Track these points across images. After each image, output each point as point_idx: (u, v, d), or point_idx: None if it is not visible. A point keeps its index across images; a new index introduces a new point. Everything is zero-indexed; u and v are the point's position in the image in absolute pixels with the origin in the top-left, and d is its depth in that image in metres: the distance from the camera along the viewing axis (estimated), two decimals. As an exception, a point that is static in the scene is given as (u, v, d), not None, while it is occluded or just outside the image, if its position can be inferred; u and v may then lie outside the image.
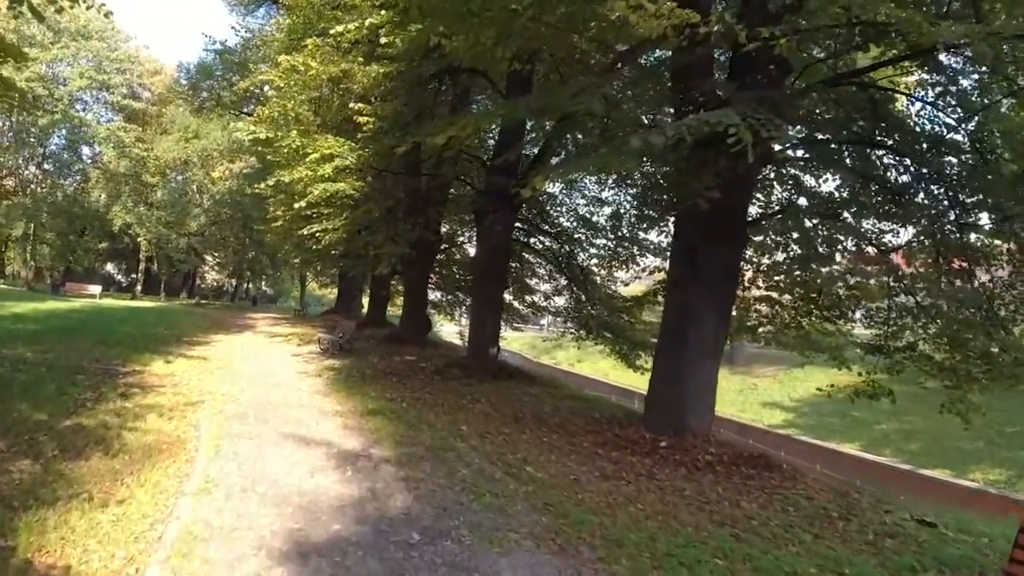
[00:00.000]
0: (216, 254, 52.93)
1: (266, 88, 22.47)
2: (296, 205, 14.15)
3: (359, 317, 31.06)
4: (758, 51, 6.85)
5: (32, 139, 39.13)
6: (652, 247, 16.38)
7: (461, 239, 25.04)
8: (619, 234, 17.05)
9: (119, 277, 59.31)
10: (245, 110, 32.47)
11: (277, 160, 18.45)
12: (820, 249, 11.61)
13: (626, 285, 18.47)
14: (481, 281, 15.15)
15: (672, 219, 14.88)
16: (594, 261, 17.69)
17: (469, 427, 9.09)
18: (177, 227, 42.36)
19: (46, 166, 40.91)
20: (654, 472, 7.67)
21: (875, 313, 12.41)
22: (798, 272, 11.38)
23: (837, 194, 12.20)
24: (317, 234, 18.96)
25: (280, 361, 15.20)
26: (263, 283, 60.73)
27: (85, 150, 43.87)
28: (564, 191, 18.94)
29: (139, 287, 47.49)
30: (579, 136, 13.66)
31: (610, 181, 18.48)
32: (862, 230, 11.44)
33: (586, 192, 18.96)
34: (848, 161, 11.20)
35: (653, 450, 8.33)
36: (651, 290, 12.63)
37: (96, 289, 37.79)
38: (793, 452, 33.89)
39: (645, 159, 11.33)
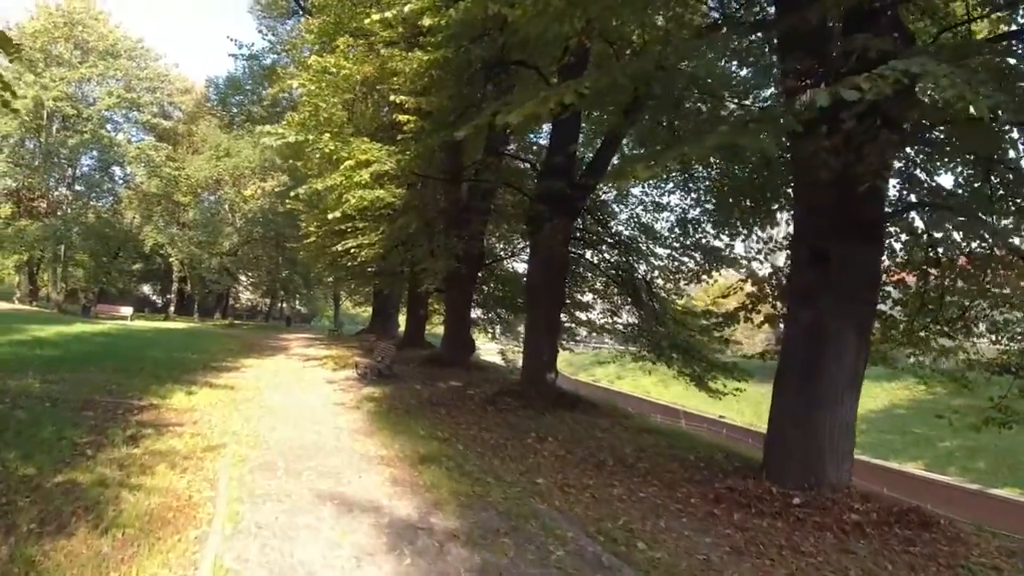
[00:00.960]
0: (249, 274, 52.26)
1: (296, 92, 21.28)
2: (331, 216, 12.72)
3: (396, 337, 29.67)
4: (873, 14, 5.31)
5: (63, 160, 38.66)
6: (727, 256, 14.61)
7: (502, 253, 23.52)
8: (686, 242, 15.31)
9: (154, 298, 58.98)
10: (275, 122, 31.51)
11: (308, 170, 17.09)
12: (941, 250, 9.81)
13: (680, 298, 16.69)
14: (536, 299, 13.49)
15: (749, 223, 13.26)
16: (656, 274, 15.89)
17: (546, 479, 7.39)
18: (209, 247, 41.64)
19: (77, 187, 40.43)
20: (796, 542, 5.90)
21: (1004, 327, 10.48)
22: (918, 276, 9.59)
23: (956, 183, 10.31)
24: (352, 250, 17.58)
25: (314, 390, 13.69)
26: (297, 302, 59.93)
27: (116, 170, 43.57)
28: (619, 196, 17.29)
29: (172, 308, 46.93)
30: (658, 121, 11.94)
31: (670, 184, 16.82)
32: (997, 228, 9.53)
33: (644, 196, 17.24)
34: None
35: (784, 510, 6.55)
36: (742, 305, 10.82)
37: (127, 311, 37.04)
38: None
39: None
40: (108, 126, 39.97)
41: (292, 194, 14.35)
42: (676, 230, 15.86)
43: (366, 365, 15.87)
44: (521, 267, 23.85)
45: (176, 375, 13.83)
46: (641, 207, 17.23)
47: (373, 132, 15.06)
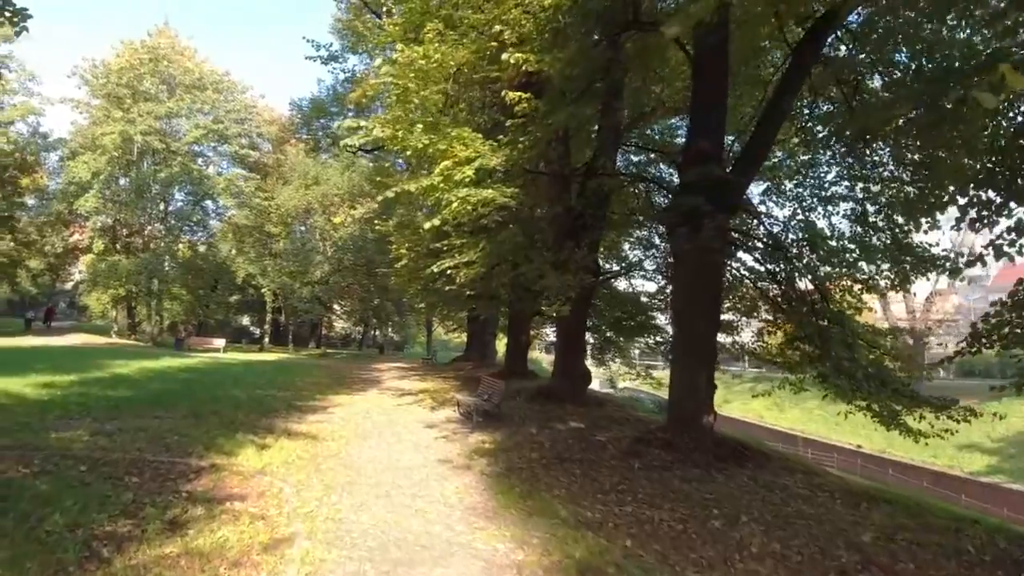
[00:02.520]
0: (341, 302, 51.50)
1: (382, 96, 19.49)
2: (427, 226, 10.37)
3: (494, 365, 27.28)
4: None
5: (154, 195, 38.76)
6: (927, 255, 11.33)
7: (614, 267, 20.78)
8: (869, 241, 12.09)
9: (253, 329, 59.21)
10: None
11: (394, 183, 14.88)
12: None
13: (859, 313, 13.31)
14: (685, 319, 10.61)
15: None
16: (828, 283, 12.65)
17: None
18: (300, 276, 40.81)
19: (170, 221, 40.52)
20: None
21: None
22: None
23: None
24: (449, 271, 15.28)
25: (411, 438, 11.25)
26: (389, 330, 58.87)
27: (209, 204, 43.65)
28: (772, 187, 14.23)
29: (266, 339, 46.49)
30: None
31: (831, 173, 13.70)
32: None
33: (799, 189, 14.06)
34: None
35: None
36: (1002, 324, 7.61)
37: (220, 343, 36.40)
38: (1002, 503, 26.76)
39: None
40: (199, 160, 40.00)
41: (379, 198, 12.05)
42: (852, 227, 12.68)
43: (470, 404, 13.37)
44: (628, 283, 21.08)
45: (252, 420, 11.78)
46: (794, 202, 14.06)
47: (474, 127, 12.77)
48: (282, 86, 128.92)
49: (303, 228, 46.32)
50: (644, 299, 19.52)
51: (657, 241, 18.73)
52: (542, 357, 46.55)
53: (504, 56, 9.26)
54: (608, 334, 21.33)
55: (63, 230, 40.82)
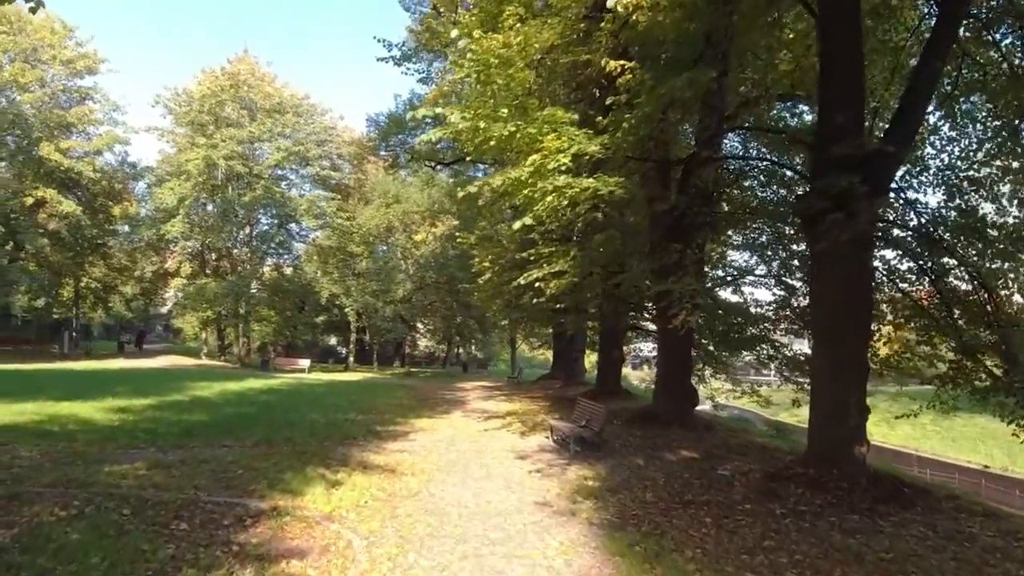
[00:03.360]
0: (425, 321, 51.02)
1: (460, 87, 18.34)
2: (516, 226, 8.96)
3: (586, 384, 25.64)
4: None
5: (239, 218, 39.21)
6: None
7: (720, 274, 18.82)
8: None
9: (340, 349, 59.55)
10: (439, 155, 29.25)
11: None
12: None
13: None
14: (831, 329, 8.71)
15: None
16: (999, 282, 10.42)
17: None
18: (383, 295, 40.40)
19: (255, 243, 40.93)
20: None
21: None
22: None
23: None
24: (537, 282, 13.86)
25: (502, 472, 9.77)
26: (472, 347, 58.01)
27: (293, 226, 43.94)
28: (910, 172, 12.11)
29: (351, 358, 46.39)
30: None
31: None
32: None
33: (950, 172, 11.86)
34: None
35: None
36: None
37: (305, 363, 36.19)
38: None
39: None
40: (282, 183, 40.32)
41: (460, 193, 10.70)
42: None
43: (566, 430, 11.79)
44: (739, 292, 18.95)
45: (326, 450, 10.63)
46: (942, 185, 11.86)
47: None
48: (360, 106, 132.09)
49: (384, 247, 46.15)
50: (754, 309, 17.44)
51: (766, 241, 16.70)
52: (629, 373, 44.16)
53: (610, 3, 7.72)
54: (710, 348, 19.34)
55: (152, 255, 41.93)
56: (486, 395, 23.92)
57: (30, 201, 33.58)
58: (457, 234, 25.81)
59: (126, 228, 41.25)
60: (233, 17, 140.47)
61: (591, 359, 33.43)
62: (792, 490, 8.24)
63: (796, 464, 9.22)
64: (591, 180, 8.05)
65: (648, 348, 25.28)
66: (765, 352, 18.38)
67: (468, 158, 26.86)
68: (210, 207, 39.44)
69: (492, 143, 8.16)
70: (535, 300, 14.86)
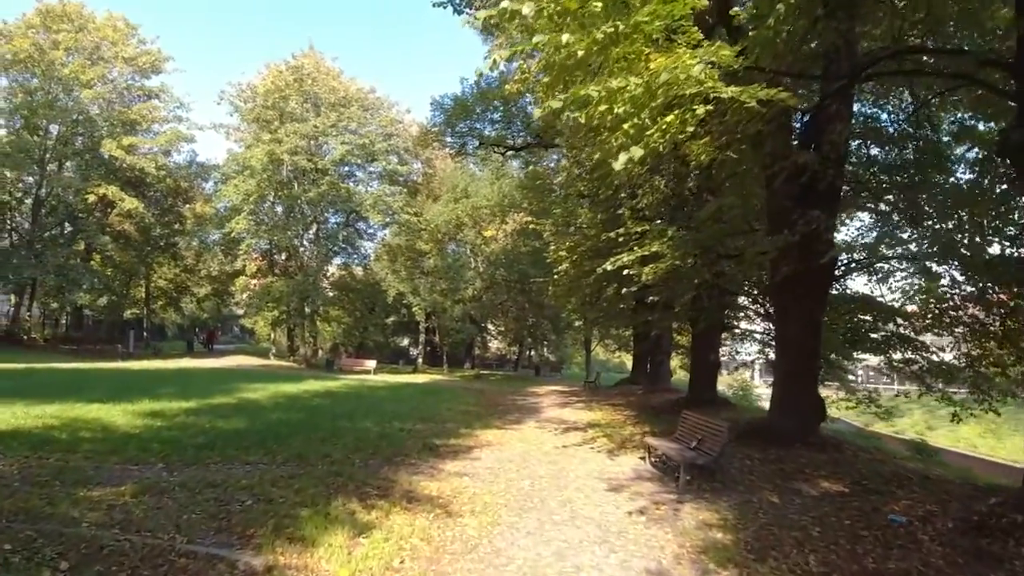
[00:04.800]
0: (495, 322, 48.98)
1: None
2: (621, 160, 6.32)
3: (673, 390, 22.92)
4: None
5: (305, 215, 38.11)
6: None
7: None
8: None
9: (412, 350, 58.27)
10: (509, 139, 27.06)
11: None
12: None
13: None
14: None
15: None
16: None
17: None
18: (451, 294, 38.52)
19: (323, 241, 39.73)
20: None
21: None
22: None
23: None
24: (626, 271, 11.39)
25: (592, 515, 7.25)
26: (545, 350, 55.61)
27: (361, 225, 42.75)
28: None
29: (420, 360, 44.80)
30: None
31: None
32: None
33: None
34: None
35: None
36: None
37: (371, 364, 34.66)
38: None
39: None
40: (349, 180, 39.02)
41: (538, 112, 8.30)
42: None
43: (673, 454, 9.19)
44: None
45: (367, 472, 8.49)
46: None
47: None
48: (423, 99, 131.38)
49: (453, 245, 44.37)
50: (889, 301, 14.40)
51: (897, 218, 13.63)
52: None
53: None
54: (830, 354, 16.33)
55: (220, 255, 41.41)
56: (561, 401, 21.50)
57: (92, 198, 33.33)
58: (531, 223, 23.47)
59: (194, 228, 40.84)
60: (297, 14, 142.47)
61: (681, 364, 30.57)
62: (1009, 547, 5.58)
63: (1007, 508, 6.47)
64: (739, 89, 5.52)
65: (745, 350, 22.22)
66: (901, 355, 15.35)
67: (540, 138, 24.90)
68: (279, 208, 38.52)
69: (580, 55, 5.73)
70: (623, 290, 12.33)
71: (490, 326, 50.68)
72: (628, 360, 65.07)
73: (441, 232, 40.49)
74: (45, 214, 34.45)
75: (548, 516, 6.91)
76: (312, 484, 7.55)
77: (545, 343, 52.10)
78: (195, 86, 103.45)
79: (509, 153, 28.04)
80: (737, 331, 21.46)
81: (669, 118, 5.29)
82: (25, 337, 33.67)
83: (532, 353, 54.87)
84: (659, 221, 12.04)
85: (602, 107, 5.36)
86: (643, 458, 10.30)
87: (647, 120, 5.30)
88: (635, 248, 11.49)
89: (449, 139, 27.90)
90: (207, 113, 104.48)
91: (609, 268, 11.36)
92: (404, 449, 10.41)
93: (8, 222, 35.62)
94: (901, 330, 14.59)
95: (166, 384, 18.90)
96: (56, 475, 7.42)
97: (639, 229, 11.51)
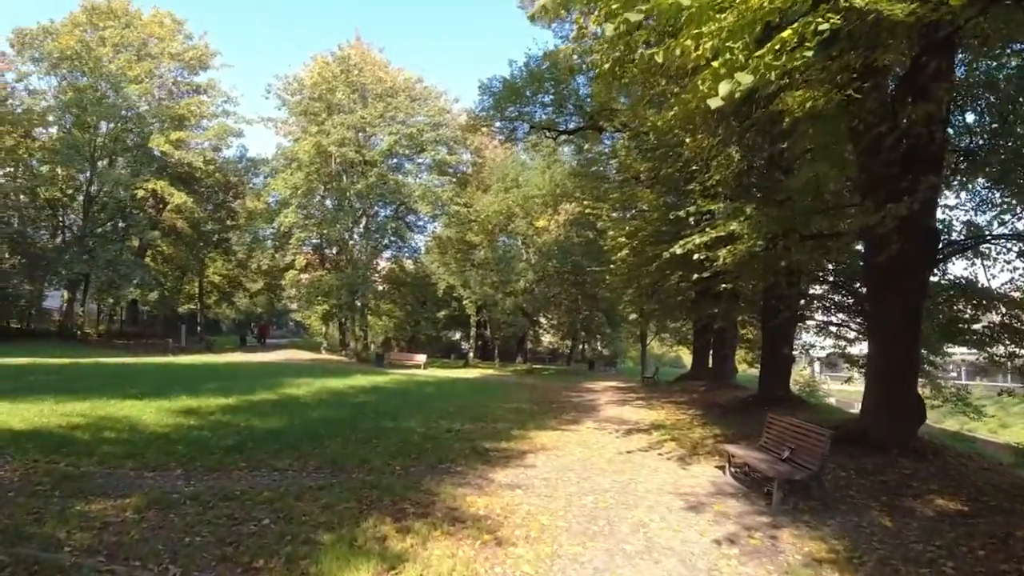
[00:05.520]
0: (548, 315, 47.71)
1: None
2: (722, 92, 5.03)
3: (742, 388, 21.43)
4: None
5: (354, 208, 37.55)
6: None
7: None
8: None
9: (463, 345, 57.58)
10: (560, 124, 25.79)
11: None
12: None
13: None
14: None
15: None
16: None
17: None
18: (502, 286, 37.45)
19: (373, 234, 39.12)
20: None
21: None
22: None
23: None
24: (696, 255, 10.10)
25: (672, 545, 5.92)
26: (598, 343, 54.09)
27: (411, 218, 42.09)
28: None
29: (471, 354, 43.93)
30: None
31: None
32: None
33: None
34: None
35: None
36: None
37: (421, 359, 33.92)
38: None
39: None
40: (398, 174, 38.24)
41: (605, 27, 7.04)
42: None
43: (762, 466, 7.81)
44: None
45: (408, 482, 7.47)
46: None
47: None
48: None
49: (504, 237, 43.24)
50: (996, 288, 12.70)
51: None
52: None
53: None
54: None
55: (267, 248, 41.24)
56: (619, 399, 20.20)
57: (141, 193, 33.43)
58: (587, 208, 22.19)
59: (245, 223, 40.81)
60: (344, 4, 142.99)
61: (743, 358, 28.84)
62: None
63: None
64: None
65: (818, 344, 20.46)
66: (1005, 349, 13.65)
67: (593, 118, 23.54)
68: (328, 202, 38.08)
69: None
70: (693, 275, 10.96)
71: (542, 319, 49.38)
72: (685, 354, 63.05)
73: (492, 223, 39.46)
74: (96, 211, 34.74)
75: (618, 545, 5.71)
76: (343, 498, 6.56)
77: (598, 337, 50.59)
78: (243, 80, 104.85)
79: (561, 138, 26.78)
80: (811, 322, 19.81)
81: (786, 33, 4.03)
82: (78, 332, 34.01)
83: (585, 347, 53.44)
84: (729, 202, 10.65)
85: (692, 31, 4.14)
86: (721, 468, 9.00)
87: (750, 42, 4.05)
88: (707, 230, 10.20)
89: (498, 124, 26.81)
90: (256, 107, 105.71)
91: (678, 252, 10.11)
92: (450, 454, 9.36)
93: (61, 219, 36.06)
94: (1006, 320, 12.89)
95: (210, 379, 18.36)
96: (58, 484, 6.62)
97: (711, 208, 10.19)
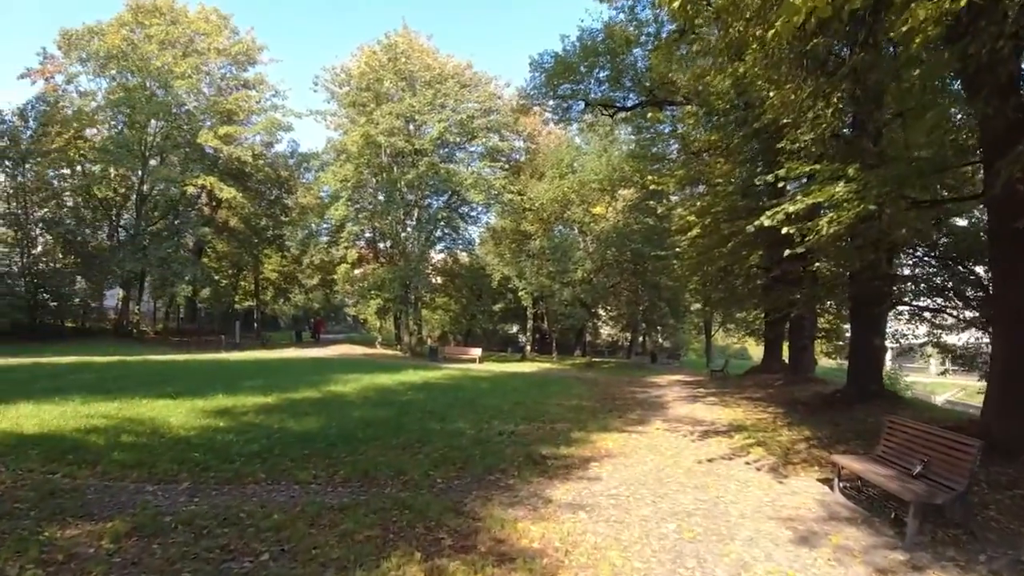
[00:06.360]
0: (607, 306, 45.99)
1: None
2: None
3: (819, 380, 19.56)
4: None
5: (406, 199, 36.67)
6: None
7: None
8: None
9: (521, 338, 56.42)
10: (618, 101, 24.15)
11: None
12: None
13: None
14: None
15: None
16: None
17: None
18: (559, 276, 35.99)
19: (425, 225, 38.16)
20: None
21: None
22: None
23: None
24: (787, 229, 8.52)
25: None
26: (659, 335, 52.10)
27: (464, 209, 41.02)
28: None
29: (528, 347, 42.64)
30: None
31: None
32: None
33: None
34: None
35: None
36: None
37: (476, 352, 32.79)
38: None
39: None
40: (450, 164, 37.14)
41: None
42: None
43: (893, 485, 6.19)
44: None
45: (451, 499, 6.30)
46: None
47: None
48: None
49: (560, 227, 41.72)
50: None
51: None
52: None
53: None
54: None
55: (320, 243, 40.76)
56: (688, 394, 18.58)
57: (191, 189, 33.31)
58: (652, 183, 20.60)
59: (297, 217, 40.53)
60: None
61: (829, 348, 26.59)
62: None
63: None
64: None
65: (910, 332, 18.35)
66: None
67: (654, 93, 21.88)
68: (380, 196, 37.31)
69: None
70: (786, 252, 9.29)
71: (601, 311, 47.68)
72: (751, 345, 60.33)
73: (546, 211, 38.05)
74: (149, 209, 34.89)
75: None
76: (366, 523, 5.37)
77: (659, 328, 48.59)
78: (293, 75, 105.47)
79: (618, 116, 25.10)
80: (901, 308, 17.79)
81: None
82: (134, 331, 34.18)
83: (646, 339, 51.50)
84: (827, 163, 8.98)
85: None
86: (826, 482, 7.47)
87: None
88: (799, 197, 8.61)
89: (551, 103, 25.25)
90: (307, 102, 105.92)
91: (765, 223, 8.55)
92: (501, 462, 8.09)
93: (114, 219, 36.36)
94: None
95: (255, 376, 17.63)
96: (41, 501, 5.68)
97: (804, 171, 8.59)
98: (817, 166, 8.58)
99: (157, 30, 33.33)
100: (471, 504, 6.13)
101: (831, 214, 8.00)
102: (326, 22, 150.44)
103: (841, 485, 7.11)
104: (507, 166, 38.90)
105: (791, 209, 8.28)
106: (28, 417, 9.52)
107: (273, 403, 12.41)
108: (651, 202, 33.88)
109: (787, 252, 8.99)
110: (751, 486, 7.35)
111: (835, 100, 9.19)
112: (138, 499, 5.97)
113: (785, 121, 9.37)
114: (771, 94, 9.40)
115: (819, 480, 7.65)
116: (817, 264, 10.17)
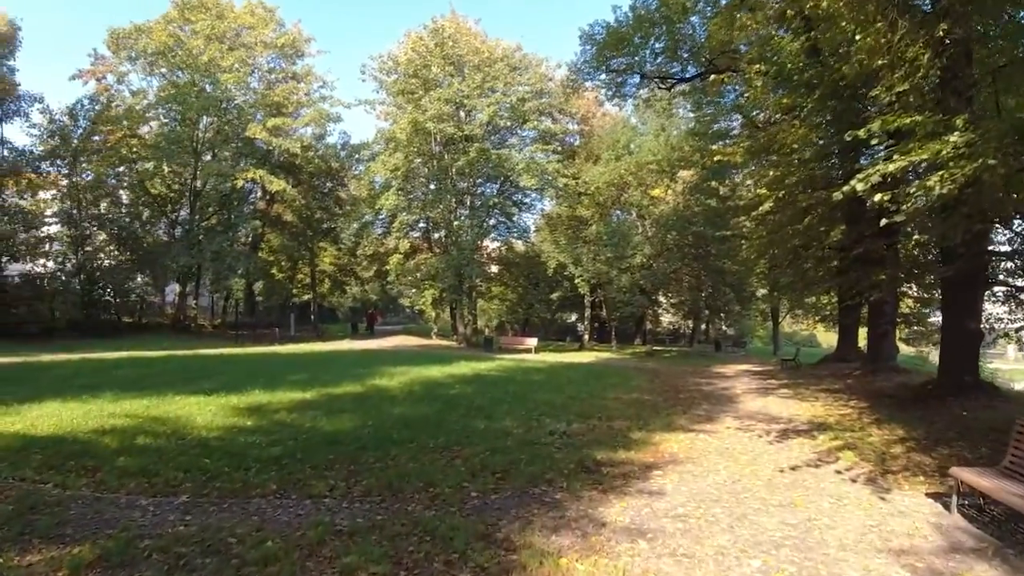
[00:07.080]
0: (667, 293, 44.26)
1: None
2: None
3: (902, 369, 17.88)
4: None
5: (457, 186, 35.87)
6: None
7: None
8: None
9: (579, 326, 55.21)
10: (674, 71, 22.66)
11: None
12: None
13: None
14: None
15: None
16: None
17: None
18: (617, 263, 34.58)
19: (478, 211, 37.27)
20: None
21: None
22: None
23: None
24: (880, 197, 7.17)
25: None
26: (723, 322, 49.96)
27: (518, 196, 40.05)
28: None
29: (586, 336, 41.38)
30: None
31: None
32: None
33: None
34: None
35: None
36: None
37: (531, 342, 31.82)
38: None
39: None
40: (501, 149, 36.09)
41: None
42: None
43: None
44: None
45: (485, 519, 5.32)
46: None
47: None
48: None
49: (618, 212, 40.22)
50: None
51: None
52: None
53: None
54: None
55: (374, 234, 40.37)
56: (759, 386, 17.12)
57: (240, 183, 33.27)
58: (718, 155, 19.17)
59: (351, 209, 40.31)
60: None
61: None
62: None
63: None
64: None
65: (1007, 316, 16.48)
66: None
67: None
68: (432, 184, 36.67)
69: None
70: (881, 221, 7.86)
71: (661, 298, 45.94)
72: (820, 332, 57.41)
73: (602, 195, 36.68)
74: (202, 204, 35.12)
75: None
76: (374, 556, 4.42)
77: (723, 315, 46.51)
78: (341, 65, 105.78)
79: (676, 89, 23.59)
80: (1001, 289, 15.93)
81: None
82: (191, 325, 34.49)
83: (709, 327, 49.46)
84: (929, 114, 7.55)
85: None
86: (938, 497, 6.16)
87: None
88: (895, 157, 7.25)
89: (603, 77, 23.87)
90: (356, 93, 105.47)
91: (859, 188, 7.22)
92: (549, 470, 7.04)
93: (170, 216, 36.77)
94: None
95: (302, 369, 17.10)
96: (17, 516, 5.03)
97: (906, 121, 7.18)
98: (919, 117, 7.19)
99: (203, 25, 33.39)
100: (507, 528, 5.10)
101: (941, 172, 6.63)
102: (373, 11, 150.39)
103: (960, 503, 5.80)
104: (560, 150, 37.64)
105: (890, 168, 6.94)
106: (47, 417, 9.00)
107: (311, 399, 11.71)
108: (713, 182, 32.17)
109: (883, 221, 7.60)
110: (847, 504, 6.09)
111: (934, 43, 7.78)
112: (124, 516, 5.21)
113: (879, 63, 7.95)
114: (857, 37, 8.01)
115: (928, 495, 6.33)
116: (904, 239, 8.71)
